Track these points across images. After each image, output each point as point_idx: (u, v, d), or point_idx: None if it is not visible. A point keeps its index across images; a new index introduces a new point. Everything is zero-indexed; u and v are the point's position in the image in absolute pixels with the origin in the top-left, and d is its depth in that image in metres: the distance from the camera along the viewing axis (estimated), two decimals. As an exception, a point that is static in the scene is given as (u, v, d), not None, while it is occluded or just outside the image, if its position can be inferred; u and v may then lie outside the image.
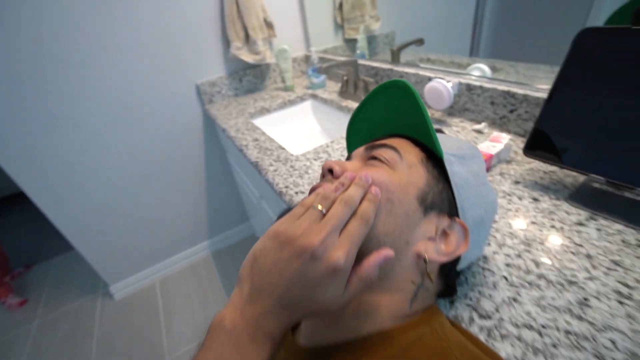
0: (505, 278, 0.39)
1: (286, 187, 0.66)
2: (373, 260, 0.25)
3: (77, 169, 1.23)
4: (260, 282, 0.24)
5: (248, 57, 1.25)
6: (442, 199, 0.31)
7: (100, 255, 1.46)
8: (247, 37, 1.23)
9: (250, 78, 1.37)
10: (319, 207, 0.25)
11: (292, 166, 0.74)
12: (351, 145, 0.45)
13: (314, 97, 1.23)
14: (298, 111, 1.25)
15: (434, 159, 0.33)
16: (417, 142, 0.35)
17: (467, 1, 0.85)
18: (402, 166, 0.31)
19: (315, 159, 0.75)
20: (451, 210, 0.31)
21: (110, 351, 1.38)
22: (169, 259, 1.68)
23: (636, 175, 0.43)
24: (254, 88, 1.40)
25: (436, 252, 0.29)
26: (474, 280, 0.39)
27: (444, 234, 0.31)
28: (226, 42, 1.27)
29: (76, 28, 1.04)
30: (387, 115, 0.37)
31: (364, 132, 0.42)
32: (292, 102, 1.24)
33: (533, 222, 0.47)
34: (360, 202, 0.26)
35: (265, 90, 1.38)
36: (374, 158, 0.33)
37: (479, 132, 0.74)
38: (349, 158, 0.39)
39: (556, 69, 0.68)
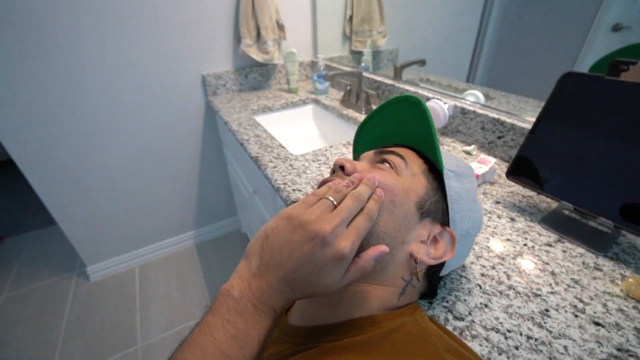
0: (480, 286, 0.43)
1: (284, 183, 0.70)
2: (371, 253, 0.28)
3: (72, 141, 1.22)
4: (270, 259, 0.27)
5: (257, 55, 1.28)
6: (437, 209, 0.35)
7: (82, 234, 1.44)
8: (259, 36, 1.26)
9: (256, 75, 1.40)
10: (331, 198, 0.28)
11: (291, 165, 0.77)
12: (357, 149, 0.49)
13: (316, 102, 1.27)
14: (299, 113, 1.29)
15: (434, 171, 0.37)
16: (420, 154, 0.39)
17: (469, 30, 0.91)
18: (407, 173, 0.35)
19: (313, 161, 0.79)
20: (443, 219, 0.35)
21: (80, 333, 1.36)
22: (151, 245, 1.67)
23: (598, 206, 0.49)
24: (258, 86, 1.43)
25: (426, 254, 0.33)
26: (452, 286, 0.44)
27: (435, 240, 0.34)
28: (237, 38, 1.29)
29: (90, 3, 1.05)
30: (396, 125, 0.41)
31: (372, 139, 0.46)
32: (294, 104, 1.27)
33: (508, 240, 0.51)
34: (367, 200, 0.30)
35: (269, 90, 1.41)
36: (382, 162, 0.36)
37: (468, 153, 0.79)
38: (357, 159, 0.42)
39: (542, 104, 0.74)
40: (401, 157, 0.36)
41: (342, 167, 0.36)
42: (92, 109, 1.20)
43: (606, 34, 0.66)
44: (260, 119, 1.20)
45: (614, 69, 0.48)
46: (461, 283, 0.44)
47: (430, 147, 0.36)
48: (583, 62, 0.70)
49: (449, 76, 1.03)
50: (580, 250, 0.49)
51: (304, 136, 1.27)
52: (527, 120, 0.72)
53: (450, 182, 0.36)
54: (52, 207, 1.31)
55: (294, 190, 0.67)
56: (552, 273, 0.45)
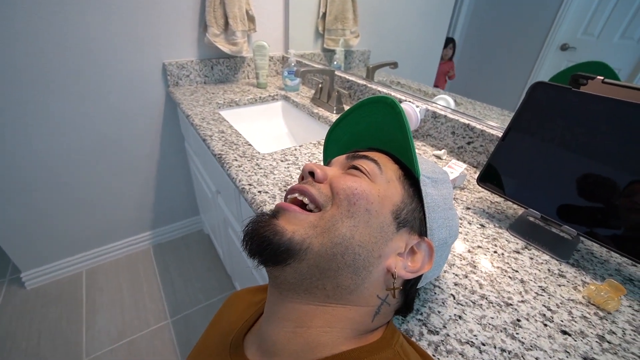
0: (453, 296, 0.42)
1: (249, 184, 0.64)
2: None
3: (3, 128, 1.06)
4: None
5: (224, 47, 1.20)
6: (414, 218, 0.32)
7: (14, 234, 1.26)
8: (227, 26, 1.18)
9: (222, 68, 1.32)
10: None
11: (257, 164, 0.72)
12: (328, 152, 0.45)
13: (286, 98, 1.23)
14: (268, 110, 1.23)
15: (409, 177, 0.35)
16: (395, 159, 0.36)
17: (438, 38, 0.93)
18: (381, 180, 0.32)
19: (282, 160, 0.74)
20: (420, 229, 0.33)
21: (10, 349, 1.19)
22: (102, 247, 1.51)
23: (562, 214, 0.50)
24: (225, 79, 1.35)
25: (404, 268, 0.31)
26: (426, 296, 0.42)
27: (412, 252, 0.32)
28: (203, 26, 1.21)
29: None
30: (369, 128, 0.39)
31: (343, 142, 0.43)
32: (263, 100, 1.21)
33: (479, 247, 0.51)
34: None
35: (236, 83, 1.34)
36: (355, 168, 0.33)
37: (439, 157, 0.79)
38: (327, 164, 0.39)
39: (505, 112, 0.77)
40: (375, 161, 0.34)
41: (312, 173, 0.33)
42: (36, 90, 1.05)
43: (556, 53, 0.71)
44: (226, 113, 1.13)
45: (575, 83, 0.50)
46: (435, 293, 0.42)
47: (406, 152, 0.34)
48: (537, 76, 0.74)
49: (418, 80, 1.03)
50: (546, 257, 0.50)
51: (272, 134, 1.21)
52: (495, 127, 0.73)
53: (427, 189, 0.33)
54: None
55: (259, 192, 0.62)
56: (522, 281, 0.45)
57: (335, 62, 1.27)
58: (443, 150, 0.80)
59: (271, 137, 1.19)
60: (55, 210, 1.30)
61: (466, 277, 0.45)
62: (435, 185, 0.35)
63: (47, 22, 0.98)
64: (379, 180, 0.32)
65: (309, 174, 0.33)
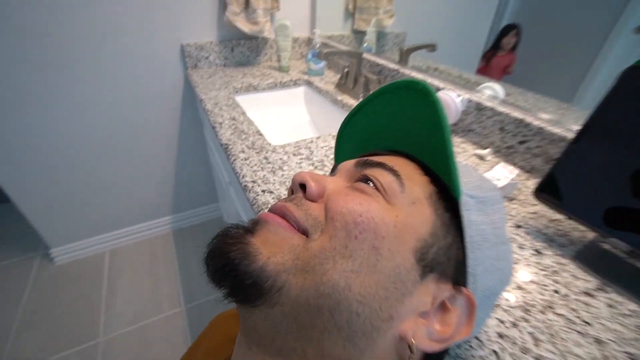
0: (496, 354, 0.31)
1: (253, 181, 0.56)
2: None
3: (29, 110, 1.07)
4: None
5: (244, 26, 1.12)
6: (449, 258, 0.22)
7: (43, 214, 1.30)
8: (247, 4, 1.09)
9: (243, 49, 1.24)
10: None
11: (266, 157, 0.63)
12: (340, 151, 0.35)
13: (309, 84, 1.12)
14: (288, 96, 1.14)
15: (445, 196, 0.24)
16: (426, 169, 0.26)
17: (484, 19, 0.77)
18: (402, 201, 0.22)
19: (294, 154, 0.65)
20: (457, 275, 0.22)
21: (37, 322, 1.24)
22: (123, 229, 1.54)
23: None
24: (245, 61, 1.27)
25: (427, 335, 0.20)
26: (458, 351, 0.31)
27: (442, 308, 0.22)
28: (223, 5, 1.12)
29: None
30: (392, 123, 0.28)
31: (359, 138, 0.32)
32: (283, 85, 1.12)
33: (534, 282, 0.39)
34: None
35: (257, 66, 1.25)
36: (366, 180, 0.23)
37: (481, 158, 0.66)
38: (333, 171, 0.29)
39: (565, 106, 0.61)
40: (394, 172, 0.23)
41: (302, 186, 0.23)
42: (56, 73, 1.04)
43: (628, 37, 0.55)
44: (242, 99, 1.05)
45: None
46: (470, 347, 0.32)
47: (441, 158, 0.22)
48: (603, 64, 0.58)
49: (460, 67, 0.88)
50: (634, 306, 0.36)
51: (291, 123, 1.12)
52: (555, 122, 0.58)
53: (470, 215, 0.22)
54: (5, 184, 1.16)
55: (263, 191, 0.54)
56: (597, 340, 0.33)
57: (365, 44, 1.14)
58: (488, 150, 0.66)
59: (290, 127, 1.10)
60: (81, 190, 1.32)
61: (515, 326, 0.34)
62: (483, 208, 0.24)
63: (68, 5, 0.95)
64: (398, 202, 0.22)
65: (299, 187, 0.24)
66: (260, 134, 0.73)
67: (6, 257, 1.49)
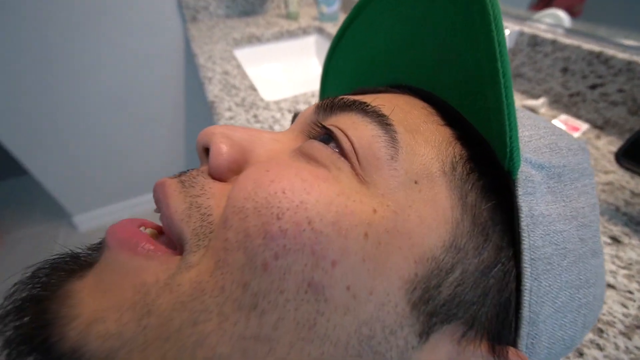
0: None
1: (237, 145, 0.46)
2: None
3: (33, 77, 1.02)
4: None
5: (243, -36, 0.95)
6: (484, 294, 0.11)
7: (62, 183, 1.32)
8: None
9: (246, -4, 1.08)
10: None
11: (255, 115, 0.52)
12: (326, 90, 0.24)
13: (320, 31, 0.96)
14: (296, 47, 0.99)
15: (482, 164, 0.12)
16: (448, 114, 0.14)
17: None
18: (393, 177, 0.11)
19: (289, 110, 0.53)
20: (498, 325, 0.11)
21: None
22: (142, 197, 1.54)
23: None
24: (250, 10, 1.12)
25: None
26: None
27: None
28: (218, -62, 0.96)
29: None
30: (398, 36, 0.15)
31: (351, 68, 0.20)
32: (291, 34, 0.97)
33: (611, 286, 0.27)
34: None
35: (263, 16, 1.10)
36: (328, 138, 0.12)
37: (533, 110, 0.50)
38: (294, 120, 0.18)
39: None
40: (381, 120, 0.12)
41: (207, 151, 0.14)
42: (59, 35, 0.97)
43: None
44: (242, 52, 0.92)
45: None
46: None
47: (487, 91, 0.10)
48: None
49: (504, 1, 0.68)
50: None
51: (299, 77, 0.98)
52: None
53: (535, 205, 0.11)
54: (20, 153, 1.17)
55: (245, 156, 0.43)
56: None
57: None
58: (541, 100, 0.50)
59: (297, 82, 0.96)
60: (97, 159, 1.31)
61: (581, 355, 0.22)
62: (560, 188, 0.12)
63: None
64: (382, 179, 0.11)
65: (203, 152, 0.14)
66: (254, 89, 0.61)
67: (32, 225, 1.56)
